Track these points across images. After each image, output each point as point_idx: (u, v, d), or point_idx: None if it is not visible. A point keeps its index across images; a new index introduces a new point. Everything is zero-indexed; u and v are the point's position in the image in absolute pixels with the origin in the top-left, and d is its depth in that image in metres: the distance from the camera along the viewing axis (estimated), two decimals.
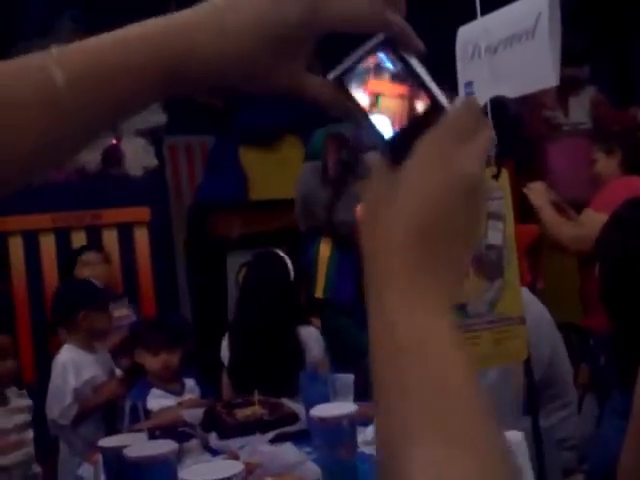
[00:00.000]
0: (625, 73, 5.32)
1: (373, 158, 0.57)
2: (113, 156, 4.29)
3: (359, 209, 0.58)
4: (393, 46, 0.56)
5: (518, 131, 4.54)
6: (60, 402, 2.96)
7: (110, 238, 4.18)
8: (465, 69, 1.29)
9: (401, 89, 0.56)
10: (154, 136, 4.52)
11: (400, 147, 0.54)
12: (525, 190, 3.41)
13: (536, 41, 1.13)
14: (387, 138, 0.56)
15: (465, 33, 1.29)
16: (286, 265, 2.79)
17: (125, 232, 4.21)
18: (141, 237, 4.22)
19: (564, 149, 4.69)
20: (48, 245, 4.12)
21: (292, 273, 2.78)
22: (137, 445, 1.69)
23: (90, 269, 3.75)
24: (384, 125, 0.56)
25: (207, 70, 0.56)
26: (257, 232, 4.26)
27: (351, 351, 2.79)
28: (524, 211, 4.58)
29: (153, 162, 4.38)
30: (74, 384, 2.98)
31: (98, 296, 3.27)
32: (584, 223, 3.08)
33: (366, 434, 2.06)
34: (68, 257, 3.94)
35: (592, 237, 2.90)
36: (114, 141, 4.29)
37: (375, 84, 0.56)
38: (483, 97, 1.23)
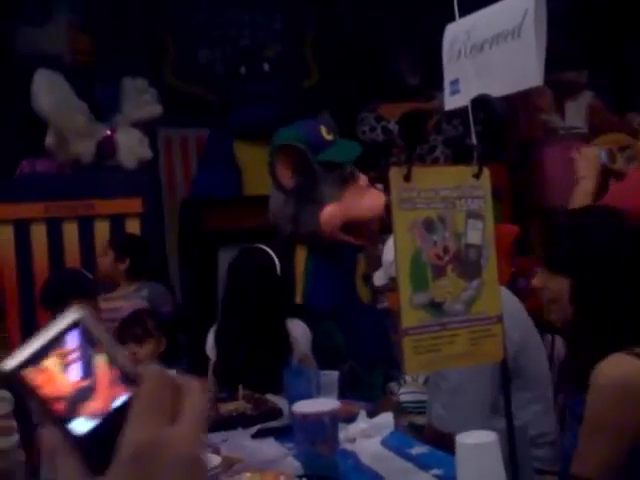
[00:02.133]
0: (623, 79, 5.32)
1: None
2: (107, 147, 4.28)
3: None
4: (86, 329, 0.55)
5: (509, 133, 4.54)
6: None
7: (102, 229, 4.18)
8: (451, 67, 1.29)
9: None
10: (149, 127, 4.51)
11: (100, 445, 0.52)
12: (576, 154, 3.08)
13: (522, 40, 1.13)
14: (82, 437, 0.52)
15: (452, 31, 1.29)
16: (272, 259, 2.75)
17: (117, 223, 4.20)
18: (133, 228, 4.22)
19: (560, 153, 4.70)
20: (39, 235, 4.11)
21: (278, 267, 2.74)
22: None
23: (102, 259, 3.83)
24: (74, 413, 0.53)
25: None
26: (250, 227, 4.25)
27: (333, 354, 2.78)
28: (518, 211, 4.60)
29: (148, 154, 4.37)
30: None
31: (87, 286, 3.27)
32: None
33: (348, 431, 2.06)
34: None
35: None
36: (109, 132, 4.28)
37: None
38: (468, 95, 1.23)
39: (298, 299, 2.95)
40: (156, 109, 4.44)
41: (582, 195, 2.81)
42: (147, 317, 3.01)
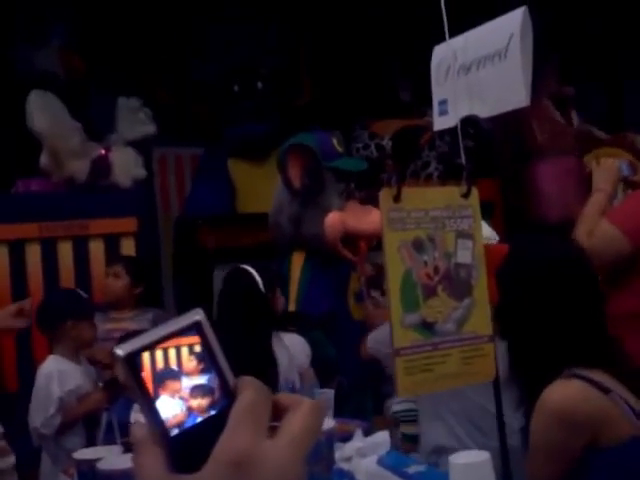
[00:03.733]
0: (616, 97, 5.36)
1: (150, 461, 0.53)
2: (102, 167, 4.28)
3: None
4: (201, 332, 0.56)
5: (501, 150, 4.55)
6: (43, 411, 2.95)
7: (97, 249, 4.17)
8: (439, 88, 1.30)
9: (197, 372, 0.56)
10: (144, 147, 4.52)
11: (190, 446, 0.53)
12: (593, 165, 2.93)
13: (508, 61, 1.14)
14: (174, 436, 0.54)
15: (439, 52, 1.30)
16: (254, 279, 2.76)
17: (112, 243, 4.20)
18: (128, 248, 4.21)
19: (551, 168, 4.72)
20: (34, 255, 4.10)
21: (261, 286, 2.75)
22: (111, 458, 1.68)
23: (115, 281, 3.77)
24: (170, 410, 0.54)
25: None
26: (245, 245, 4.25)
27: (325, 366, 2.77)
28: (510, 227, 4.61)
29: (142, 173, 4.38)
30: (59, 394, 2.97)
31: (84, 306, 3.26)
32: (594, 235, 2.56)
33: (344, 450, 2.06)
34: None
35: (599, 252, 2.44)
36: (103, 151, 4.28)
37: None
38: (456, 116, 1.24)
39: (291, 305, 2.98)
40: (150, 128, 4.46)
41: (596, 207, 2.68)
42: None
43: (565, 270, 1.59)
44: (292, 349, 2.75)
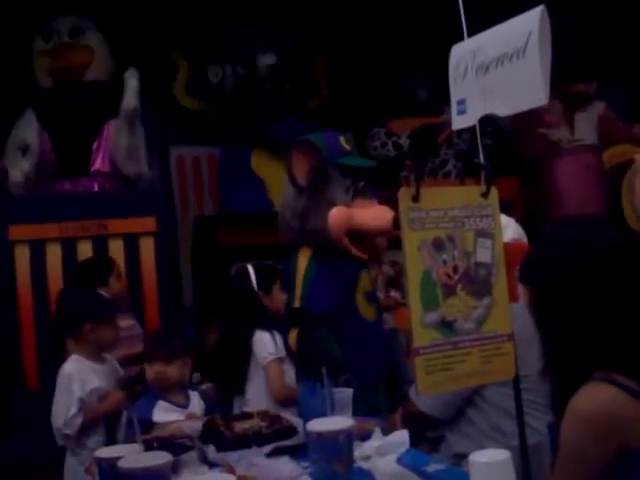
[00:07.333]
0: (634, 89, 5.31)
1: None
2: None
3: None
4: None
5: (518, 149, 4.52)
6: (65, 412, 2.97)
7: (116, 248, 4.20)
8: (457, 87, 1.30)
9: None
10: (161, 146, 4.54)
11: None
12: (637, 156, 2.92)
13: (526, 60, 1.14)
14: None
15: (457, 51, 1.31)
16: (248, 276, 3.14)
17: (131, 242, 4.23)
18: (147, 247, 4.24)
19: (569, 166, 4.69)
20: (54, 254, 4.14)
21: (254, 283, 3.11)
22: (132, 456, 1.69)
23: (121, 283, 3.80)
24: None
25: None
26: (263, 243, 4.27)
27: (330, 365, 2.77)
28: (529, 225, 4.59)
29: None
30: (79, 394, 2.99)
31: (105, 308, 3.26)
32: None
33: (363, 449, 2.05)
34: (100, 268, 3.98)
35: None
36: None
37: None
38: (475, 115, 1.24)
39: (297, 302, 3.01)
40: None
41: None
42: (173, 336, 3.01)
43: (604, 260, 1.45)
44: (255, 346, 3.00)
